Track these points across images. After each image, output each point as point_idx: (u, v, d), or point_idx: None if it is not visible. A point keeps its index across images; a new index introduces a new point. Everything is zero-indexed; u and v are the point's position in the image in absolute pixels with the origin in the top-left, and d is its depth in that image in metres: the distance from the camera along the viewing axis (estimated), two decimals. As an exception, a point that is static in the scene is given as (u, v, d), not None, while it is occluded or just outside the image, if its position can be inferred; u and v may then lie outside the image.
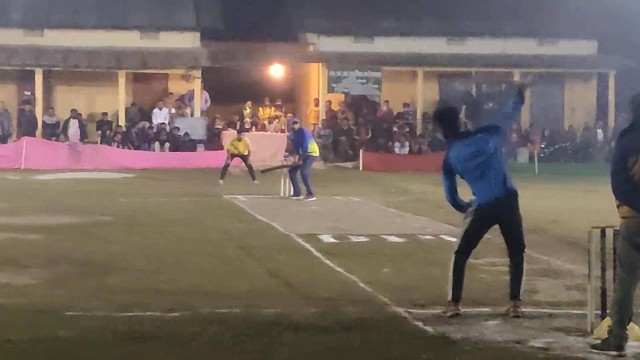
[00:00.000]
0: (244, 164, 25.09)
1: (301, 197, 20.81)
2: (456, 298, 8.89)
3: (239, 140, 24.68)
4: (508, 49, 35.63)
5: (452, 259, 9.02)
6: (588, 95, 37.14)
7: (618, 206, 7.60)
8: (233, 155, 24.56)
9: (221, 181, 23.68)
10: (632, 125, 7.66)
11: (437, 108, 9.82)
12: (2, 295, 9.49)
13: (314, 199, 20.65)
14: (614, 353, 7.46)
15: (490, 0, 36.24)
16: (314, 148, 21.40)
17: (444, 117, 9.45)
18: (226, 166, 24.35)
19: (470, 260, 11.91)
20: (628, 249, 7.53)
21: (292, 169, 21.27)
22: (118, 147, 31.50)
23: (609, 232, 8.18)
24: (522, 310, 8.95)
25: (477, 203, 9.04)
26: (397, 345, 7.76)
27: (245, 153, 24.56)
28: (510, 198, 9.06)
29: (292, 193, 21.17)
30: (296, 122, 22.32)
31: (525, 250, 9.24)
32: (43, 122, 32.81)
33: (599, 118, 36.26)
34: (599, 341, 7.66)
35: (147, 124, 32.78)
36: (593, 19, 35.83)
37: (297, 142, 21.27)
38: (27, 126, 32.36)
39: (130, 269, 11.25)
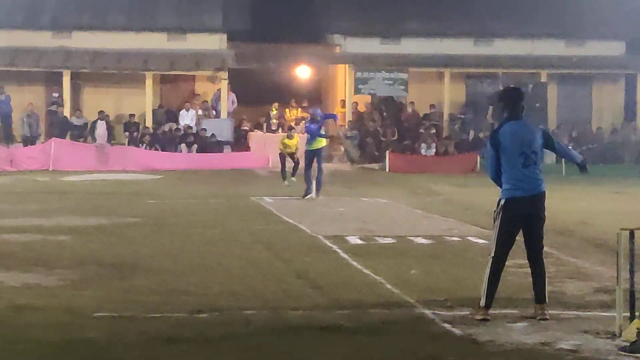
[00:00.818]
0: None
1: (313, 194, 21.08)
2: (491, 302, 8.81)
3: (290, 137, 24.41)
4: (535, 50, 35.52)
5: (490, 262, 8.94)
6: (616, 97, 36.95)
7: None
8: (286, 155, 24.02)
9: (286, 182, 23.17)
10: None
11: (504, 88, 9.84)
12: (32, 296, 9.55)
13: (311, 196, 20.89)
14: None
15: (517, 1, 36.19)
16: (315, 143, 21.36)
17: (511, 96, 9.31)
18: (283, 166, 23.95)
19: None
20: None
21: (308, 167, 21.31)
22: (145, 148, 31.62)
23: (638, 234, 8.15)
24: (550, 312, 8.93)
25: (504, 198, 8.99)
26: (425, 347, 7.75)
27: (294, 150, 24.13)
28: (542, 198, 9.05)
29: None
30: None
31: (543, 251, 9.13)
32: (71, 123, 32.97)
33: (627, 119, 36.06)
34: (628, 343, 7.63)
35: (174, 126, 32.87)
36: (621, 19, 35.66)
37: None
38: (55, 128, 32.55)
39: (157, 271, 11.27)
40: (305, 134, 21.88)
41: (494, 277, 8.83)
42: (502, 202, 8.99)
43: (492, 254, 8.91)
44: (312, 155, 21.24)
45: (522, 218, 8.95)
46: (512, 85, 10.41)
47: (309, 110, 24.91)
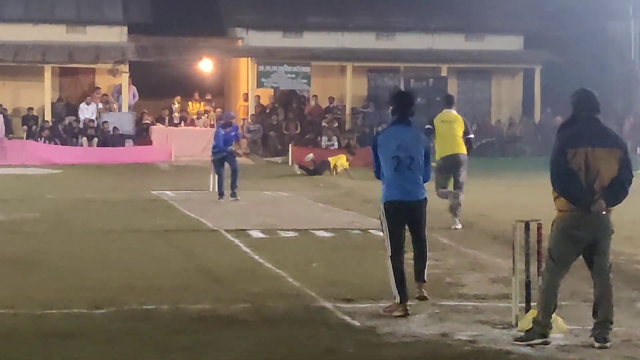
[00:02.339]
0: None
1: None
2: (405, 296, 8.88)
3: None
4: (436, 44, 35.92)
5: (389, 261, 9.05)
6: (514, 90, 37.62)
7: (555, 198, 7.73)
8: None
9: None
10: (571, 119, 7.82)
11: (396, 91, 10.05)
12: None
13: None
14: (539, 341, 7.58)
15: (419, -5, 36.53)
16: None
17: (401, 99, 9.50)
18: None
19: None
20: (562, 241, 7.66)
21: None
22: (44, 142, 31.10)
23: (533, 226, 8.31)
24: (448, 303, 9.14)
25: (383, 200, 9.18)
26: (325, 339, 7.80)
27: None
28: (420, 204, 9.20)
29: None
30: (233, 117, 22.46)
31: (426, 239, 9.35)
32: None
33: (525, 113, 36.73)
34: (523, 334, 7.78)
35: (74, 119, 32.42)
36: (519, 14, 36.30)
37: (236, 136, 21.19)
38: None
39: (56, 266, 11.15)
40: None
41: (398, 273, 8.93)
42: (382, 205, 9.19)
43: (389, 253, 9.06)
44: (222, 161, 19.67)
45: (403, 217, 9.13)
46: (402, 90, 10.26)
47: (222, 114, 24.82)
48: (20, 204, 18.07)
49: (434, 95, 34.50)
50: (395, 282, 8.88)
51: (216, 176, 19.96)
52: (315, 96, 35.02)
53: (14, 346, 7.52)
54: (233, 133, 20.10)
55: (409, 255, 9.32)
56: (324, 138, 33.07)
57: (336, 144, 33.04)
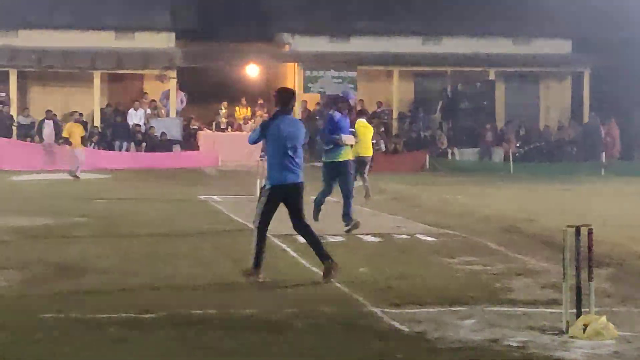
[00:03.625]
0: None
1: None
2: (260, 265, 10.49)
3: None
4: (483, 48, 35.76)
5: (255, 231, 10.58)
6: (563, 95, 37.33)
7: None
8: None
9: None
10: None
11: (280, 88, 11.64)
12: (-23, 298, 9.45)
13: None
14: None
15: (465, 0, 36.37)
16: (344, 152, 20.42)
17: (285, 95, 11.00)
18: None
19: (445, 259, 12.10)
20: None
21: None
22: (93, 147, 31.37)
23: (584, 231, 8.22)
24: (497, 309, 9.08)
25: (270, 184, 10.65)
26: (374, 345, 7.75)
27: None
28: (299, 187, 10.74)
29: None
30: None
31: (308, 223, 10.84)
32: (18, 123, 32.65)
33: (574, 117, 36.44)
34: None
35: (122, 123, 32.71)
36: (568, 18, 36.01)
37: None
38: (2, 127, 32.22)
39: (105, 271, 11.19)
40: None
41: (261, 242, 10.54)
42: (268, 186, 10.66)
43: (257, 224, 10.60)
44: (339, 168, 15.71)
45: (281, 199, 10.68)
46: (285, 86, 13.37)
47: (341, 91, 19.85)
48: (69, 208, 18.21)
49: (481, 99, 34.46)
50: (257, 249, 10.52)
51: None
52: (362, 101, 34.94)
53: (63, 350, 7.54)
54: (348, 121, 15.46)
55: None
56: (372, 143, 32.96)
57: (383, 148, 32.99)
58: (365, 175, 20.71)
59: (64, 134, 27.82)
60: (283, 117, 10.77)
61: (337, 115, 15.13)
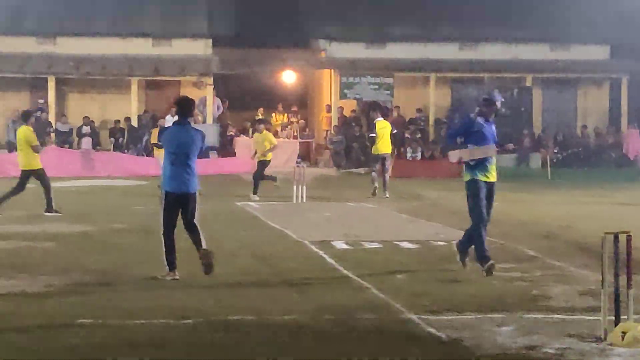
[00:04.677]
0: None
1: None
2: (173, 265, 11.04)
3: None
4: (520, 54, 35.63)
5: (162, 237, 11.14)
6: (601, 100, 37.09)
7: None
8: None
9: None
10: None
11: (179, 97, 12.73)
12: (16, 303, 9.55)
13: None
14: None
15: (502, 5, 36.26)
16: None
17: (181, 103, 11.52)
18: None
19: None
20: None
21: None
22: (131, 154, 31.54)
23: (623, 238, 8.18)
24: (535, 316, 9.07)
25: (164, 190, 11.19)
26: (412, 352, 7.74)
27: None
28: (189, 197, 11.15)
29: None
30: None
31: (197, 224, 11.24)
32: (56, 129, 32.91)
33: (612, 123, 36.19)
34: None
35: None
36: (605, 24, 35.80)
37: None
38: (40, 134, 32.40)
39: (143, 277, 11.24)
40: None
41: (169, 246, 11.08)
42: (163, 193, 11.20)
43: (162, 230, 11.16)
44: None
45: (177, 204, 11.12)
46: (185, 96, 12.83)
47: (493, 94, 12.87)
48: (107, 215, 18.30)
49: (518, 105, 34.29)
50: (166, 253, 11.06)
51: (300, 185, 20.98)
52: (398, 107, 34.94)
53: (103, 356, 7.58)
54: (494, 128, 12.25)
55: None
56: (408, 149, 32.98)
57: (419, 155, 32.93)
58: (387, 174, 22.60)
59: (152, 140, 27.40)
60: (176, 127, 11.35)
61: (479, 120, 11.92)
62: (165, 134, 11.44)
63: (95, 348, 7.80)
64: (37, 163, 18.64)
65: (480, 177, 11.51)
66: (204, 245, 11.14)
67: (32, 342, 7.94)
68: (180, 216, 11.28)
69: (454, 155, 11.77)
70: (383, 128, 22.92)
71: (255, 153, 23.21)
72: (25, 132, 18.48)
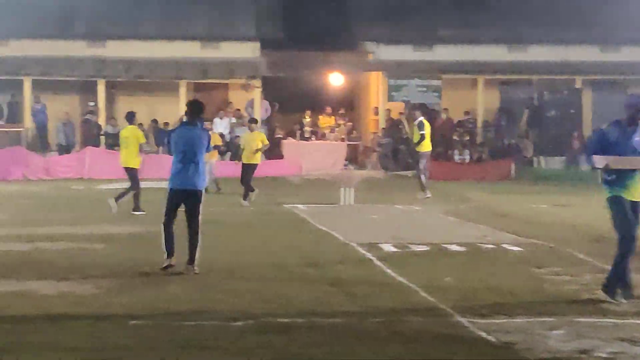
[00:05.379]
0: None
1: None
2: (170, 253, 11.78)
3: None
4: (570, 56, 35.36)
5: (162, 227, 11.89)
6: (652, 102, 36.59)
7: None
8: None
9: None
10: None
11: (191, 99, 13.27)
12: (67, 304, 9.65)
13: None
14: None
15: (551, 7, 36.02)
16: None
17: (192, 106, 12.27)
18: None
19: (534, 269, 12.00)
20: None
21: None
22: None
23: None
24: (587, 320, 9.04)
25: (168, 188, 11.97)
26: (461, 355, 7.74)
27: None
28: (195, 194, 11.87)
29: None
30: None
31: (199, 224, 11.92)
32: (105, 132, 33.20)
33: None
34: None
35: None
36: (656, 24, 35.43)
37: None
38: (90, 136, 32.79)
39: (191, 279, 11.33)
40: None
41: (168, 235, 11.81)
42: (168, 189, 11.96)
43: (163, 220, 11.90)
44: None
45: (180, 200, 11.90)
46: (196, 99, 13.53)
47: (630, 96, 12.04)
48: (155, 216, 18.19)
49: (568, 107, 34.02)
50: (165, 241, 11.80)
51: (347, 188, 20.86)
52: (446, 109, 34.82)
53: (153, 356, 7.66)
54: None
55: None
56: (456, 152, 32.87)
57: (468, 157, 32.80)
58: (422, 172, 23.09)
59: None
60: (184, 127, 12.18)
61: (613, 129, 10.43)
62: (175, 134, 12.18)
63: (146, 349, 7.87)
64: (137, 162, 19.94)
65: (623, 194, 10.00)
66: (195, 262, 11.77)
67: (82, 342, 8.01)
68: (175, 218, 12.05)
69: (600, 161, 10.07)
70: (428, 127, 23.49)
71: (242, 152, 22.27)
72: (134, 131, 19.95)
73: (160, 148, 31.97)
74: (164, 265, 11.69)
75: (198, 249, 11.81)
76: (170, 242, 11.89)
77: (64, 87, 34.10)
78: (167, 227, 11.94)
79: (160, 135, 32.83)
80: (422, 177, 23.20)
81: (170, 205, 11.99)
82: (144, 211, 18.84)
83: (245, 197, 21.52)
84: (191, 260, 11.76)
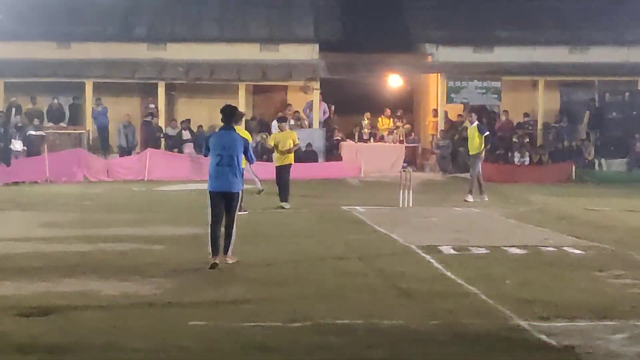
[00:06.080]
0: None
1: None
2: (215, 252, 12.31)
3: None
4: (632, 57, 34.93)
5: (208, 228, 12.45)
6: None
7: None
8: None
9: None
10: None
11: (224, 106, 13.17)
12: (129, 305, 9.77)
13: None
14: None
15: (612, 8, 35.69)
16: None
17: (225, 111, 12.75)
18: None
19: (595, 273, 11.95)
20: None
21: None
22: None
23: None
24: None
25: (208, 189, 12.52)
26: (521, 358, 7.72)
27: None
28: (233, 196, 12.42)
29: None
30: None
31: (234, 221, 12.51)
32: (165, 134, 33.51)
33: None
34: None
35: (265, 135, 33.10)
36: None
37: None
38: (151, 138, 33.09)
39: (252, 280, 11.39)
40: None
41: (213, 235, 12.36)
42: (208, 192, 12.50)
43: (209, 223, 12.43)
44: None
45: (220, 202, 12.38)
46: (229, 104, 13.46)
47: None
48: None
49: (629, 109, 33.64)
50: (211, 241, 12.32)
51: (406, 190, 20.82)
52: (506, 111, 34.63)
53: (214, 356, 7.74)
54: None
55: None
56: (516, 154, 32.68)
57: (527, 160, 32.59)
58: (470, 172, 23.48)
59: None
60: (221, 132, 12.70)
61: None
62: (212, 138, 12.75)
63: (205, 349, 7.93)
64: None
65: None
66: (229, 252, 12.48)
67: (144, 342, 8.10)
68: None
69: None
70: (472, 132, 23.67)
71: (274, 151, 21.36)
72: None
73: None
74: (210, 264, 12.18)
75: (232, 240, 12.46)
76: (216, 242, 12.36)
77: (125, 90, 34.44)
78: (213, 229, 12.43)
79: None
80: (480, 179, 23.17)
81: (212, 207, 12.46)
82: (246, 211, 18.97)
83: (285, 199, 21.19)
84: (225, 250, 12.43)
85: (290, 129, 32.23)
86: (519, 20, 35.98)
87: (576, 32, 35.62)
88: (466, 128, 25.99)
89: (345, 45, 35.04)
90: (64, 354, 7.76)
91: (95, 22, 34.83)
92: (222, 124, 12.78)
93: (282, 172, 21.13)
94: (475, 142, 23.42)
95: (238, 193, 12.53)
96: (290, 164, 21.28)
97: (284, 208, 20.68)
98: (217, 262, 12.20)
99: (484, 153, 23.57)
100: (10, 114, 32.57)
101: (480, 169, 23.42)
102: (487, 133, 23.56)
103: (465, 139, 24.17)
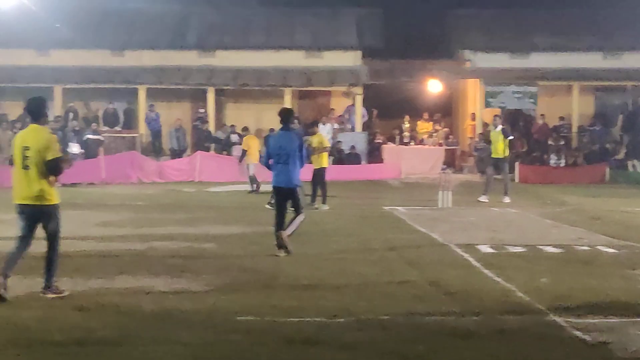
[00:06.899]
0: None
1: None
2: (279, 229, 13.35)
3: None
4: (666, 63, 35.13)
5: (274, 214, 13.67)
6: None
7: None
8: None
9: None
10: None
11: (282, 107, 14.76)
12: (179, 300, 9.98)
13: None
14: None
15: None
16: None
17: (280, 114, 13.87)
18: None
19: (628, 271, 12.00)
20: None
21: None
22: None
23: None
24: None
25: (272, 185, 13.61)
26: (557, 354, 7.85)
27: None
28: (291, 191, 13.42)
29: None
30: None
31: (300, 207, 13.69)
32: (215, 137, 34.08)
33: None
34: None
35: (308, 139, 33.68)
36: None
37: None
38: (201, 142, 33.74)
39: (296, 277, 11.51)
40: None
41: (278, 224, 13.37)
42: (272, 187, 13.67)
43: (275, 215, 13.47)
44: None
45: (283, 196, 13.51)
46: (286, 107, 15.07)
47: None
48: (262, 218, 18.39)
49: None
50: (276, 226, 13.38)
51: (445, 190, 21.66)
52: (543, 115, 34.96)
53: (257, 352, 7.90)
54: None
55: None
56: (552, 156, 33.02)
57: (563, 162, 32.90)
58: (502, 175, 23.59)
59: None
60: (279, 132, 13.81)
61: None
62: (271, 139, 14.15)
63: (253, 344, 8.10)
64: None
65: None
66: (288, 231, 13.48)
67: (194, 336, 8.31)
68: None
69: None
70: (496, 136, 23.99)
71: (314, 152, 21.70)
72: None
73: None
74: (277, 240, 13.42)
75: (296, 224, 13.65)
76: (280, 227, 13.46)
77: (176, 95, 35.10)
78: (278, 219, 13.57)
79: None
80: (491, 181, 23.43)
81: (276, 200, 13.83)
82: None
83: (324, 200, 21.46)
84: (285, 228, 13.52)
85: (335, 133, 32.69)
86: (554, 27, 36.17)
87: (610, 38, 35.79)
88: (489, 132, 26.31)
89: (388, 52, 35.41)
90: (119, 346, 7.96)
91: (148, 31, 35.54)
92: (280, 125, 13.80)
93: (316, 175, 21.57)
94: (500, 145, 23.43)
95: (295, 187, 13.51)
96: (324, 167, 21.64)
97: (317, 209, 20.82)
98: (282, 235, 13.33)
99: (505, 155, 23.56)
100: (68, 119, 33.23)
101: (493, 173, 23.53)
102: (511, 137, 23.70)
103: (489, 143, 24.40)
